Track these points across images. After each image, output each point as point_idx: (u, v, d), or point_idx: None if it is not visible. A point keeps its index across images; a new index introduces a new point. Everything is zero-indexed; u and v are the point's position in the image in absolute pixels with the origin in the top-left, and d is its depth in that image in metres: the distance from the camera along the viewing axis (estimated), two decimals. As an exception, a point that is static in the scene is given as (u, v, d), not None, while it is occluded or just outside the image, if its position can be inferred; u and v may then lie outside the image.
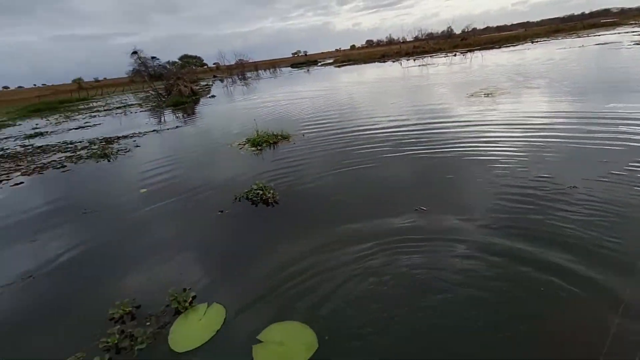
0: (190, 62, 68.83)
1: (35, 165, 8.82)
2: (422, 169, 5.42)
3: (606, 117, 6.51)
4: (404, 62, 33.45)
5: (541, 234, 3.30)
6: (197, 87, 28.13)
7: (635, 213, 3.41)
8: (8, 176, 8.11)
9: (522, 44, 35.42)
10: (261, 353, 2.44)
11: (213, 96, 24.13)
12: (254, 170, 6.29)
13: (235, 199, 5.11)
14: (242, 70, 52.86)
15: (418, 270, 3.03)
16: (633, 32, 30.12)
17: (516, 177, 4.55)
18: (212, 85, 36.53)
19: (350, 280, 3.03)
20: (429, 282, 2.87)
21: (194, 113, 16.95)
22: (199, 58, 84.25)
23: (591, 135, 5.67)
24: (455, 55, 32.46)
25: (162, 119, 15.96)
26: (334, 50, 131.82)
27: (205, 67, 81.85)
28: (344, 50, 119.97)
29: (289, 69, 55.39)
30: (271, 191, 5.04)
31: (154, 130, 12.32)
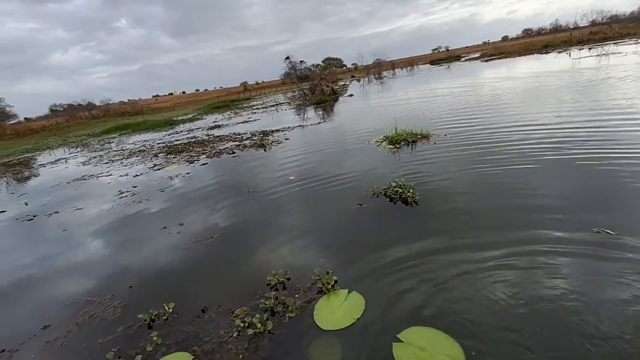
0: (331, 64, 73.75)
1: (215, 150, 11.06)
2: (598, 179, 4.34)
3: None
4: (574, 52, 27.47)
5: None
6: (337, 87, 29.88)
7: None
8: (198, 157, 10.40)
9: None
10: (403, 353, 2.40)
11: (351, 95, 25.17)
12: (391, 168, 6.27)
13: (374, 194, 5.20)
14: (378, 69, 53.32)
15: (572, 298, 2.44)
16: None
17: None
18: (349, 84, 38.14)
19: (496, 291, 2.68)
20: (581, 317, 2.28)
21: (333, 110, 18.08)
22: (339, 60, 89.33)
23: None
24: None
25: (306, 115, 17.59)
26: (480, 43, 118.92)
27: (345, 67, 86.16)
28: (494, 42, 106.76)
29: (428, 66, 52.93)
30: (411, 190, 4.92)
31: (300, 126, 13.71)
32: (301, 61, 39.09)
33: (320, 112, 17.93)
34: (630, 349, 2.13)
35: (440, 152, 6.74)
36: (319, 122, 14.07)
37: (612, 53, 21.20)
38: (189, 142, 13.89)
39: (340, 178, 6.29)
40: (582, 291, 2.63)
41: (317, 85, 26.81)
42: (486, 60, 38.77)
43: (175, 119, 28.97)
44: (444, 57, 63.65)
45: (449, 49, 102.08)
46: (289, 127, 13.58)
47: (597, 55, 21.44)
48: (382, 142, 8.30)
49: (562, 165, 5.11)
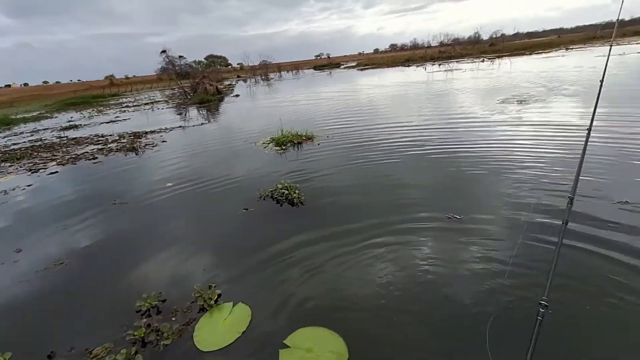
0: (215, 62, 70.36)
1: (69, 156, 9.13)
2: (453, 174, 5.23)
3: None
4: (428, 66, 32.90)
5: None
6: (222, 87, 28.62)
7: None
8: (45, 165, 8.42)
9: (555, 50, 34.15)
10: (289, 358, 2.35)
11: (237, 95, 24.44)
12: (278, 170, 6.26)
13: (261, 197, 5.07)
14: (265, 71, 53.44)
15: (446, 285, 2.87)
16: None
17: (555, 183, 4.30)
18: (235, 85, 37.08)
19: (380, 288, 2.91)
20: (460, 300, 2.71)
21: (218, 111, 17.21)
22: (224, 58, 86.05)
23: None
24: (482, 61, 31.65)
25: (188, 115, 16.27)
26: (356, 53, 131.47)
27: (230, 67, 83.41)
28: (367, 54, 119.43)
29: (312, 71, 55.60)
30: (297, 191, 4.98)
31: (179, 127, 12.56)
32: (180, 56, 36.06)
33: (204, 112, 16.84)
34: (481, 298, 2.55)
35: (323, 152, 7.06)
36: (202, 123, 13.17)
37: (456, 69, 26.12)
38: (32, 147, 11.20)
39: (225, 182, 5.96)
40: (443, 260, 3.06)
41: (200, 83, 25.13)
42: (361, 69, 42.97)
43: (13, 117, 23.06)
44: (325, 64, 67.95)
45: (330, 56, 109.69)
46: (167, 128, 12.29)
47: (445, 70, 26.10)
48: (268, 143, 8.25)
49: (421, 159, 5.94)
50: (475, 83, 16.21)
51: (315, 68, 60.81)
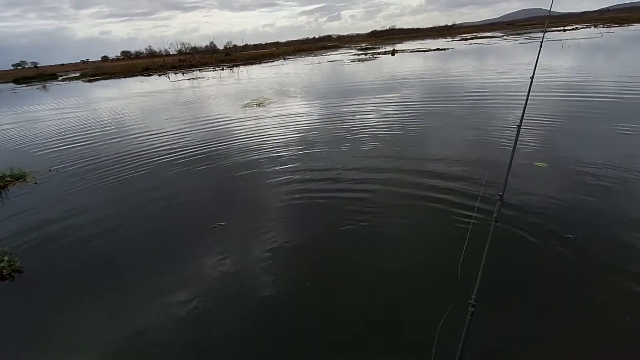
0: None
1: None
2: (212, 181, 5.16)
3: (346, 110, 8.39)
4: (171, 75, 31.73)
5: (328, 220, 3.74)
6: None
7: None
8: None
9: (277, 60, 41.07)
10: None
11: None
12: (-35, 235, 4.11)
13: None
14: None
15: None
16: (349, 52, 40.95)
17: (298, 170, 5.05)
18: None
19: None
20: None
21: None
22: None
23: (342, 125, 7.11)
24: (223, 69, 33.73)
25: None
26: (79, 62, 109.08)
27: None
28: (95, 62, 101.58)
29: (12, 85, 41.40)
30: (5, 257, 3.42)
31: None
32: None
33: None
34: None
35: (46, 192, 5.28)
36: None
37: (199, 77, 26.39)
38: None
39: None
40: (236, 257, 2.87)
41: None
42: (89, 80, 35.99)
43: None
44: (34, 75, 52.19)
45: (38, 65, 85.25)
46: None
47: (190, 79, 25.87)
48: (-63, 199, 5.31)
49: (174, 166, 5.50)
50: (223, 89, 16.98)
51: (17, 81, 45.64)
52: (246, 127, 8.34)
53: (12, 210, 4.79)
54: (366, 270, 2.92)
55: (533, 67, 2.01)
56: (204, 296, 2.75)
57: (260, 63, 38.06)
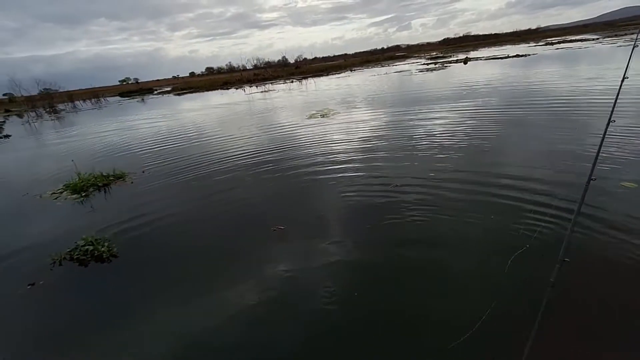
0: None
1: None
2: (279, 186, 5.49)
3: (410, 120, 8.25)
4: (247, 88, 34.31)
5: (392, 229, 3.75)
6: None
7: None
8: None
9: (344, 71, 41.83)
10: None
11: (7, 136, 18.68)
12: (78, 224, 5.01)
13: (54, 262, 3.93)
14: (49, 101, 43.22)
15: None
16: (417, 62, 40.02)
17: (362, 183, 5.12)
18: (3, 122, 28.37)
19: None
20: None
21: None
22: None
23: (406, 134, 7.02)
24: (292, 82, 35.47)
25: None
26: (171, 77, 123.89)
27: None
28: (183, 77, 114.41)
29: (118, 98, 48.71)
30: (105, 244, 4.10)
31: None
32: None
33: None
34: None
35: (138, 192, 6.15)
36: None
37: (271, 90, 28.18)
38: None
39: (-7, 256, 4.32)
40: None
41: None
42: (179, 94, 40.68)
43: None
44: (135, 90, 60.90)
45: (139, 81, 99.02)
46: None
47: (262, 92, 27.76)
48: (61, 192, 6.55)
49: (244, 169, 5.98)
50: (291, 101, 17.94)
51: (122, 95, 53.59)
52: (309, 136, 8.69)
53: (112, 205, 5.69)
54: (428, 289, 2.88)
55: (625, 68, 1.84)
56: (260, 296, 2.98)
57: (327, 75, 39.16)
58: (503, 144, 6.20)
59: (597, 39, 40.81)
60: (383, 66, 43.25)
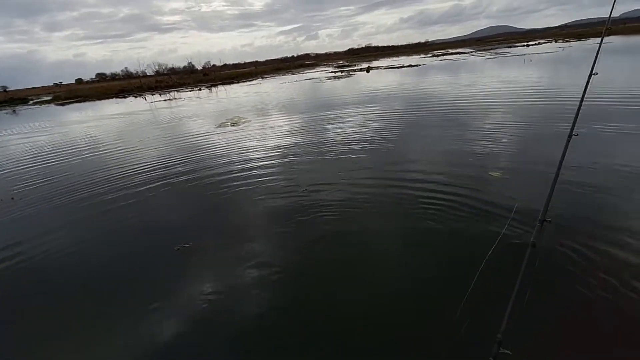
0: None
1: None
2: (186, 199, 5.09)
3: (325, 123, 8.53)
4: (148, 96, 31.44)
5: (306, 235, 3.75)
6: None
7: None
8: None
9: (256, 79, 41.47)
10: None
11: None
12: None
13: None
14: None
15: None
16: (326, 70, 41.91)
17: (279, 190, 5.05)
18: None
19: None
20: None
21: None
22: None
23: (317, 138, 7.20)
24: (200, 89, 33.73)
25: None
26: (52, 85, 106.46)
27: None
28: (69, 84, 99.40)
29: (-21, 110, 39.86)
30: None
31: None
32: None
33: None
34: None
35: (11, 219, 5.06)
36: None
37: (176, 98, 26.26)
38: None
39: None
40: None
41: None
42: (62, 104, 35.16)
43: None
44: (3, 100, 50.58)
45: (8, 89, 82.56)
46: None
47: (167, 100, 25.69)
48: None
49: (142, 186, 5.41)
50: (199, 109, 16.95)
51: (-15, 106, 43.98)
52: (219, 145, 8.32)
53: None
54: (349, 299, 2.93)
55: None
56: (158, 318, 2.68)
57: (238, 82, 38.30)
58: (404, 143, 6.83)
59: (471, 52, 48.28)
60: (294, 74, 44.18)
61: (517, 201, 3.84)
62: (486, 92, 11.85)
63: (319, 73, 38.04)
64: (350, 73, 31.52)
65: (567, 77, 13.99)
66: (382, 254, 3.30)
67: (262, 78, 41.49)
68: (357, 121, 9.32)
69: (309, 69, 51.92)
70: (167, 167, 6.97)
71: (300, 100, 16.14)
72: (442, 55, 48.53)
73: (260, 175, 5.77)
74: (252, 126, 10.58)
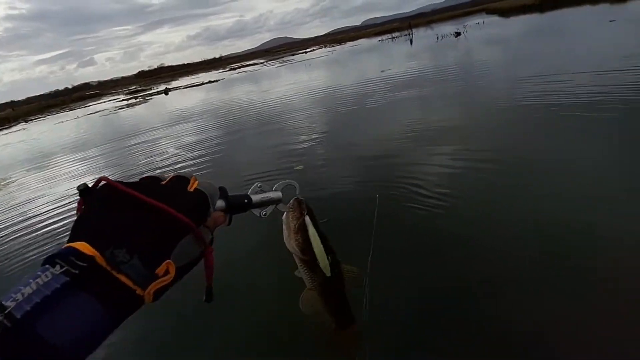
0: None
1: None
2: None
3: (127, 154, 7.21)
4: None
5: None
6: None
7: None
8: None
9: (16, 124, 31.89)
10: None
11: None
12: None
13: None
14: None
15: None
16: (116, 99, 36.37)
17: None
18: None
19: None
20: None
21: None
22: None
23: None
24: None
25: None
26: None
27: None
28: None
29: None
30: None
31: None
32: None
33: None
34: None
35: None
36: None
37: None
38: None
39: None
40: None
41: None
42: None
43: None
44: None
45: None
46: None
47: None
48: None
49: None
50: None
51: None
52: None
53: None
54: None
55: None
56: None
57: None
58: (230, 152, 6.74)
59: (264, 62, 52.28)
60: (73, 109, 36.46)
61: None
62: (285, 94, 12.93)
63: (108, 103, 32.73)
64: (147, 98, 28.52)
65: (341, 73, 16.99)
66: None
67: (27, 122, 32.24)
68: (170, 143, 8.51)
69: (93, 100, 44.08)
70: None
71: (84, 138, 13.34)
72: (239, 68, 50.49)
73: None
74: (26, 183, 7.95)
